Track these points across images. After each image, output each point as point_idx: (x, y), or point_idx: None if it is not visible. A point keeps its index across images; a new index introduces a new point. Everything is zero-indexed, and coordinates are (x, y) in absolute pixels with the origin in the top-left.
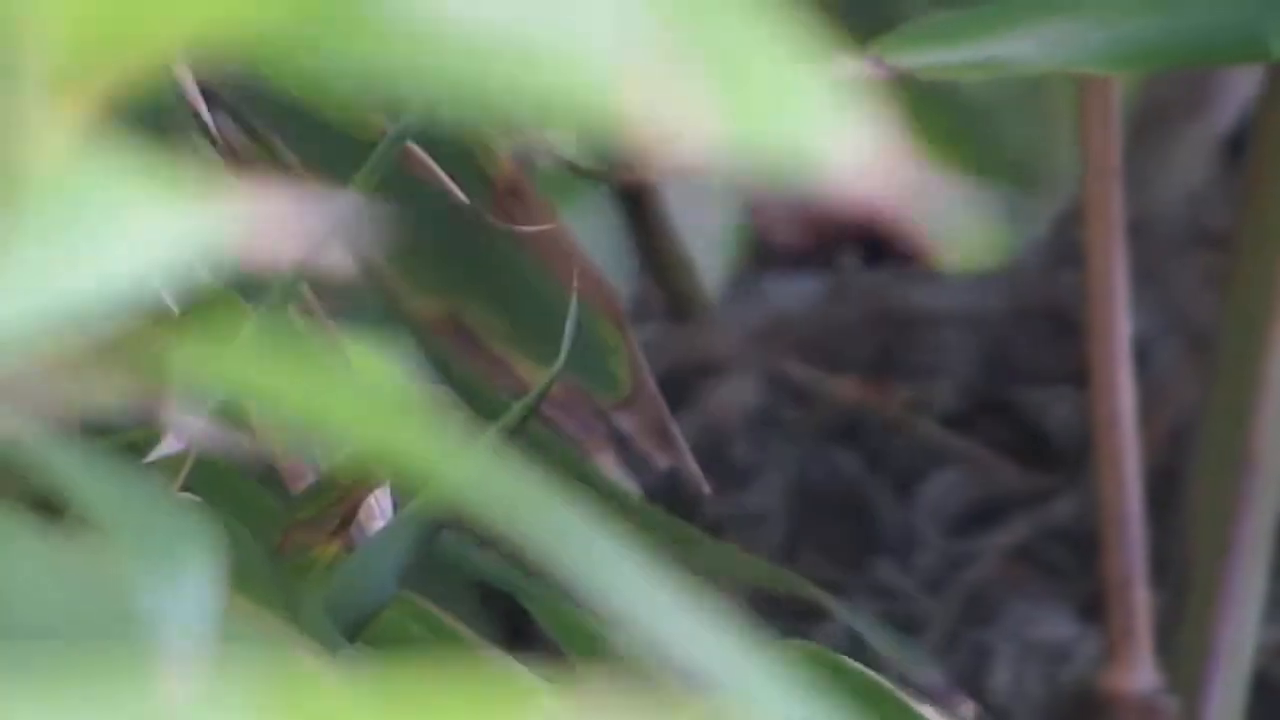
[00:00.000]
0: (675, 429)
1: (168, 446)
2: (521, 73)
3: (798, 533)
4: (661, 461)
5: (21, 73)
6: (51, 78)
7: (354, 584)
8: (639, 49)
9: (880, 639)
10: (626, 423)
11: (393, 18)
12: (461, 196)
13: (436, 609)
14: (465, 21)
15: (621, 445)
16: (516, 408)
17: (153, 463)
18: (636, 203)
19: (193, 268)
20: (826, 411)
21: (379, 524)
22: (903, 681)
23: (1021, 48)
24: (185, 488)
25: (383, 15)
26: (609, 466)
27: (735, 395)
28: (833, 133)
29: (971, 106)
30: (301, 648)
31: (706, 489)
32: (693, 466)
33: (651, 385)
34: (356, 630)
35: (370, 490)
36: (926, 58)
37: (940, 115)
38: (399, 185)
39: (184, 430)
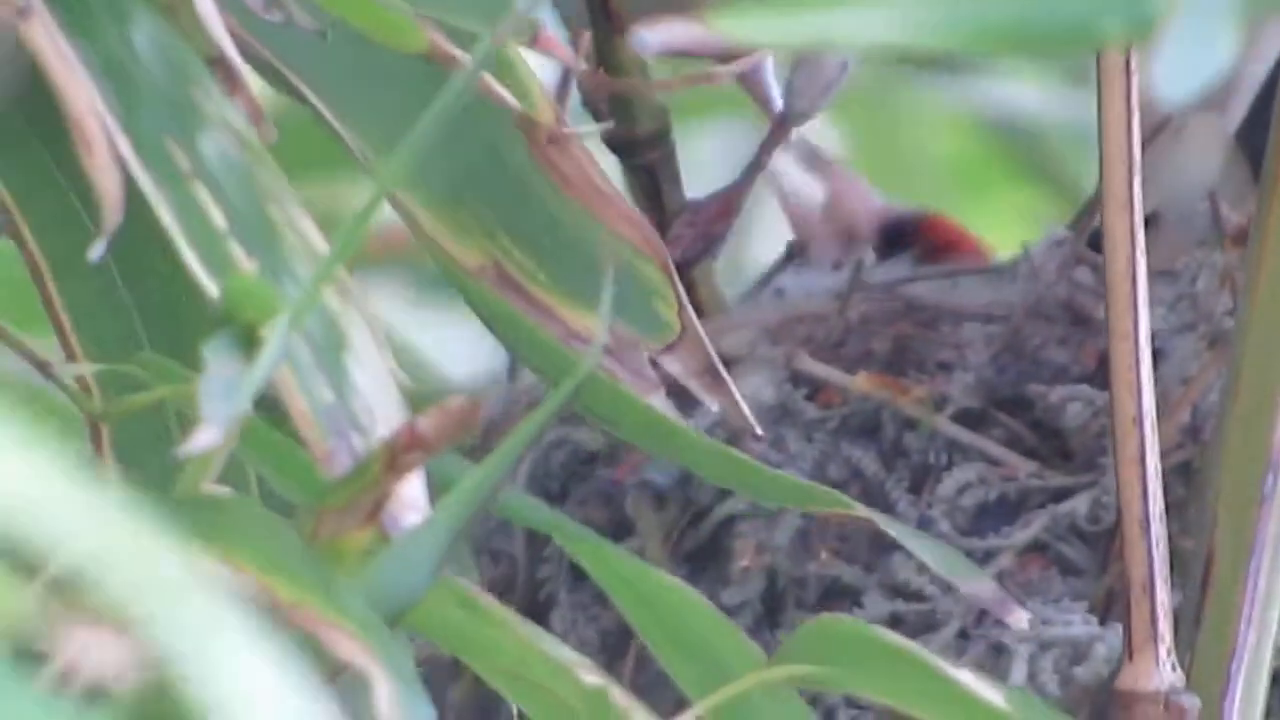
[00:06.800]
0: (723, 370)
1: (202, 440)
2: None
3: (814, 529)
4: (711, 403)
5: None
6: None
7: (393, 572)
8: None
9: (928, 555)
10: (675, 366)
11: None
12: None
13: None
14: None
15: (672, 388)
16: (583, 363)
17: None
18: (657, 201)
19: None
20: (843, 408)
21: (412, 511)
22: (954, 593)
23: (854, 22)
24: (218, 478)
25: None
26: (662, 408)
27: (752, 392)
28: None
29: None
30: (341, 633)
31: (757, 430)
32: (742, 407)
33: (698, 328)
34: (397, 616)
35: (402, 478)
36: (760, 30)
37: None
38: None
39: (217, 421)
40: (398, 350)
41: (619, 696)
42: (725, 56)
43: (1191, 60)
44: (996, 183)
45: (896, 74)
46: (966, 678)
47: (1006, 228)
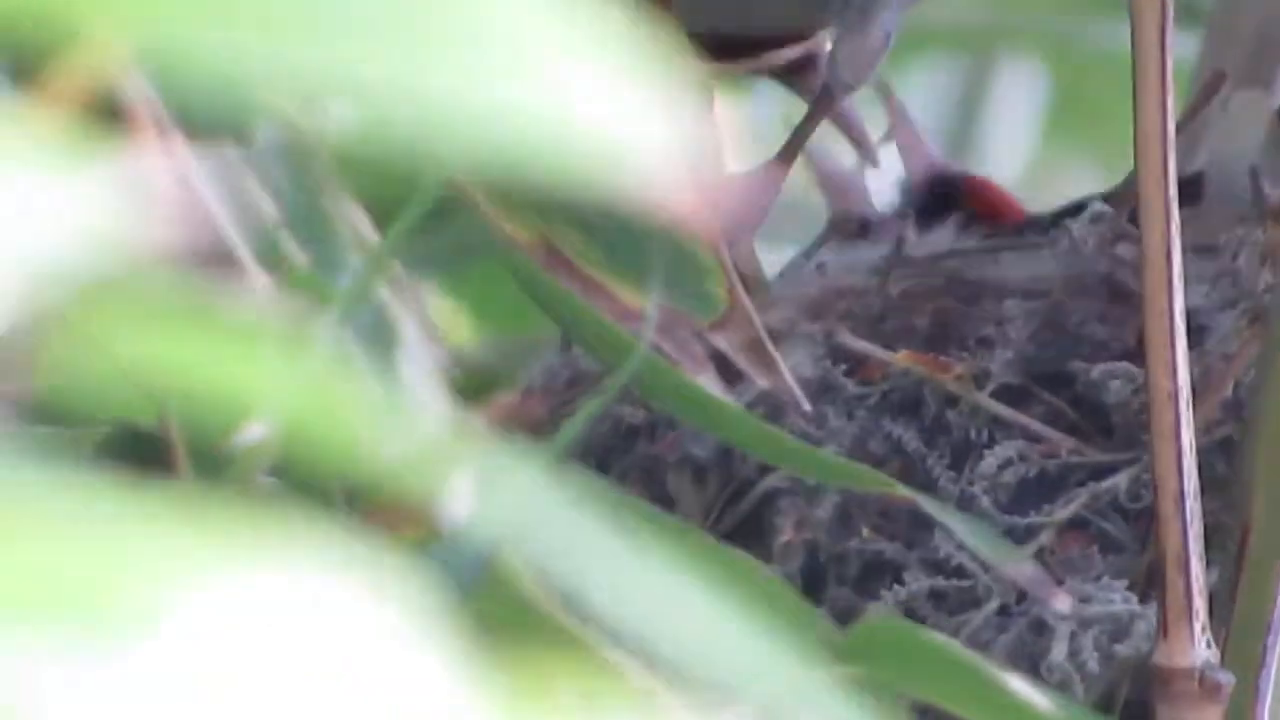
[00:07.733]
0: (772, 347)
1: (251, 433)
2: None
3: (855, 505)
4: (760, 380)
5: None
6: None
7: (439, 571)
8: None
9: (970, 536)
10: (723, 342)
11: None
12: None
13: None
14: None
15: (720, 365)
16: (638, 346)
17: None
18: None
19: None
20: (884, 384)
21: (461, 506)
22: (994, 575)
23: None
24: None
25: None
26: (710, 385)
27: (791, 367)
28: (637, 133)
29: None
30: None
31: (806, 406)
32: (791, 384)
33: (747, 305)
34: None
35: (449, 475)
36: None
37: None
38: None
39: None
40: None
41: (668, 699)
42: (778, 45)
43: None
44: None
45: (1085, 20)
46: (1017, 684)
47: None
